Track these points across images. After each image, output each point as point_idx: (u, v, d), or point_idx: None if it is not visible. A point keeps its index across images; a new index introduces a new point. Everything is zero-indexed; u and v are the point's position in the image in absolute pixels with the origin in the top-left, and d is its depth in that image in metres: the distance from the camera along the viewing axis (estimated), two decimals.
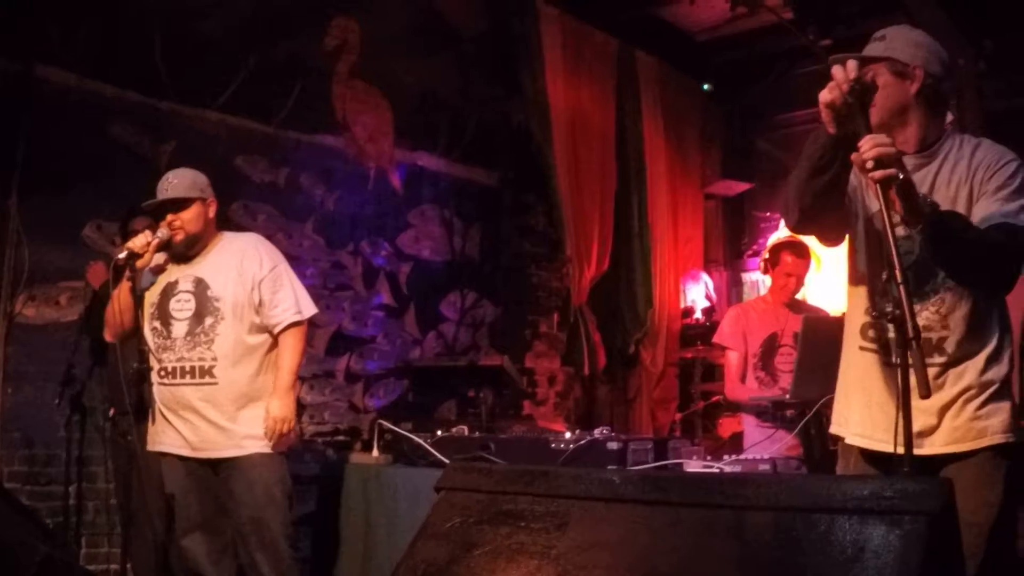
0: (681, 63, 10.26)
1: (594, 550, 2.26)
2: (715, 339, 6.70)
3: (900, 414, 2.94)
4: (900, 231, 3.26)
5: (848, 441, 3.51)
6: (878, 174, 2.91)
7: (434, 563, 2.52)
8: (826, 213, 3.35)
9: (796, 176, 3.32)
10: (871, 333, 3.42)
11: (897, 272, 2.80)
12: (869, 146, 2.93)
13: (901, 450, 3.20)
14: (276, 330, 5.00)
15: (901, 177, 2.92)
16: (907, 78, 3.30)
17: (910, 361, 2.80)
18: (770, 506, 2.11)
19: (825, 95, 3.05)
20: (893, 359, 3.27)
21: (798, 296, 6.56)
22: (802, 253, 6.36)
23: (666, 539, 2.22)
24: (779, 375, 6.27)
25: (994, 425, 3.23)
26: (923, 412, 3.15)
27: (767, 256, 6.51)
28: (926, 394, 2.75)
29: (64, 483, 5.94)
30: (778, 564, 1.99)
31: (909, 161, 3.19)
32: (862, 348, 3.46)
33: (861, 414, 3.44)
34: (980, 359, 3.26)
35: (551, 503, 2.45)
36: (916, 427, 3.02)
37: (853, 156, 2.99)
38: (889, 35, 3.38)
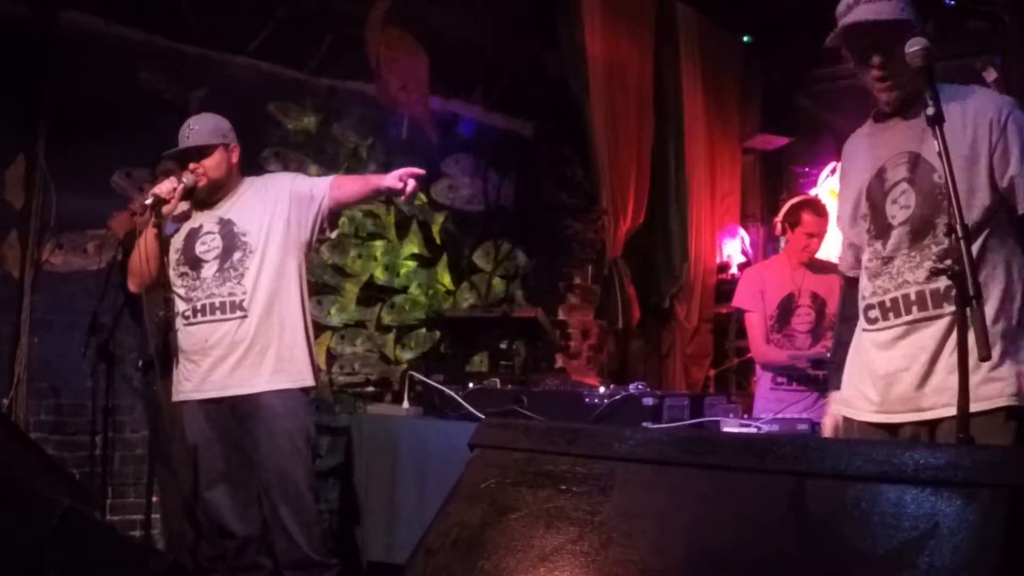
0: (721, 15, 10.04)
1: (640, 518, 2.10)
2: (734, 303, 6.59)
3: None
4: (903, 185, 3.30)
5: (832, 410, 3.60)
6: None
7: (467, 526, 2.38)
8: None
9: None
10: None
11: (958, 225, 2.68)
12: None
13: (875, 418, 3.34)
14: (328, 188, 5.10)
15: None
16: None
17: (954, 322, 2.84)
18: (834, 473, 1.94)
19: None
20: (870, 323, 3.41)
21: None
22: (821, 212, 6.27)
23: (718, 508, 2.06)
24: (796, 336, 6.19)
25: (1004, 387, 3.15)
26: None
27: (784, 217, 6.39)
28: (986, 355, 2.62)
29: (91, 433, 5.88)
30: (844, 539, 1.83)
31: None
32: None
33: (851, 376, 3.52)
34: (987, 313, 3.13)
35: (594, 465, 2.30)
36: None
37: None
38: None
